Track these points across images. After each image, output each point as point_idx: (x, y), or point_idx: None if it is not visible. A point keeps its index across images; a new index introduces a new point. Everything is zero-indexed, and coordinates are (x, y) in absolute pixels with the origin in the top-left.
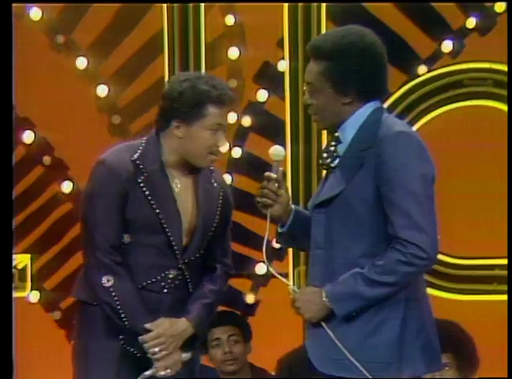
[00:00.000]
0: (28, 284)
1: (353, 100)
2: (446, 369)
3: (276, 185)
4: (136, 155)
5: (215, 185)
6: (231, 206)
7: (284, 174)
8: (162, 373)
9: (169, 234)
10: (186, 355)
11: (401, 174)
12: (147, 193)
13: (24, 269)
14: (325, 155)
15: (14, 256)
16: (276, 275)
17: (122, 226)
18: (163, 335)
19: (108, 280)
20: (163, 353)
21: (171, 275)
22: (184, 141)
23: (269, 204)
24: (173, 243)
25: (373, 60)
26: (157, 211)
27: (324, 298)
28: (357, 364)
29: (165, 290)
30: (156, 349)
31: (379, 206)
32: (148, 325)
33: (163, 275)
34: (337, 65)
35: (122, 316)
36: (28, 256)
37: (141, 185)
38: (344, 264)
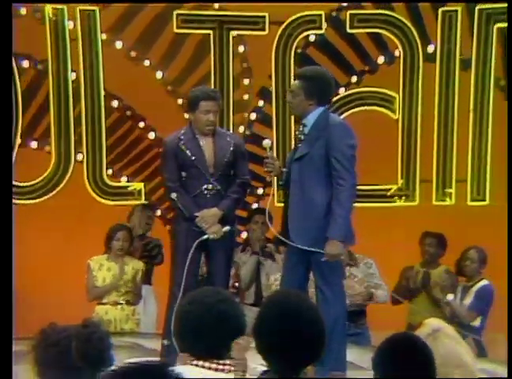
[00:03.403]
0: (143, 197)
1: (313, 104)
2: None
3: (272, 160)
4: (180, 134)
5: (228, 139)
6: (241, 148)
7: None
8: (211, 236)
9: (200, 168)
10: (226, 228)
11: (339, 144)
12: (185, 150)
13: (140, 190)
14: (297, 132)
15: (133, 183)
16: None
17: (178, 168)
18: (204, 216)
19: (173, 194)
20: (207, 226)
21: (208, 187)
22: (195, 122)
23: (271, 170)
24: (203, 171)
25: (326, 84)
26: (191, 157)
27: (338, 243)
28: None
29: (208, 196)
30: (203, 224)
31: (329, 160)
32: (196, 214)
33: (204, 187)
34: (308, 83)
35: (184, 211)
36: (142, 184)
37: (182, 147)
38: (309, 189)
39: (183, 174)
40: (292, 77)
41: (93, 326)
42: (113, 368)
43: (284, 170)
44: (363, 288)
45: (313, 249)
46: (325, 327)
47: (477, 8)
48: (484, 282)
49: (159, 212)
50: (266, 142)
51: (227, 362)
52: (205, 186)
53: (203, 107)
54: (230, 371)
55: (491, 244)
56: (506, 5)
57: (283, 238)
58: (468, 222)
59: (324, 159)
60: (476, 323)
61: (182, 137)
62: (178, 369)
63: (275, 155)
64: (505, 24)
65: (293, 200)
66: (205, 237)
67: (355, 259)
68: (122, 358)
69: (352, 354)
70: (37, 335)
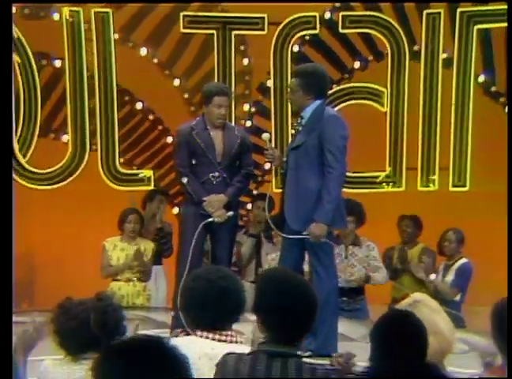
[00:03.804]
0: (152, 183)
1: (311, 98)
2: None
3: (272, 152)
4: (193, 124)
5: (236, 133)
6: (247, 142)
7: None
8: (216, 219)
9: (209, 156)
10: (230, 213)
11: (332, 135)
12: (196, 139)
13: (149, 177)
14: (295, 124)
15: (143, 170)
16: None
17: (189, 156)
18: (211, 201)
19: (184, 179)
20: (213, 210)
21: (215, 175)
22: (207, 114)
23: (272, 161)
24: (212, 160)
25: (322, 80)
26: (202, 146)
27: (323, 226)
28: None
29: (214, 183)
30: (210, 208)
31: (322, 150)
32: (204, 198)
33: (211, 175)
34: (306, 80)
35: (193, 195)
36: (151, 171)
37: (194, 136)
38: (303, 176)
39: (193, 161)
40: (289, 74)
41: (107, 299)
42: (112, 343)
43: (284, 159)
44: (362, 268)
45: (294, 237)
46: (317, 301)
47: (459, 10)
48: (463, 260)
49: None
50: (265, 135)
51: (229, 332)
52: (213, 174)
53: (216, 102)
54: (232, 341)
55: (470, 226)
56: (488, 7)
57: (274, 227)
58: (449, 206)
59: (318, 149)
60: (457, 297)
61: (195, 127)
62: (183, 340)
63: (273, 145)
64: (484, 25)
65: (289, 186)
66: (211, 219)
67: (360, 240)
68: (133, 330)
69: (344, 327)
70: (56, 308)
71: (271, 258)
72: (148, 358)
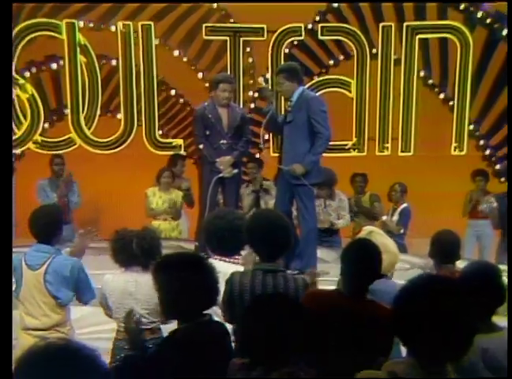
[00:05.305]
0: (182, 150)
1: (295, 85)
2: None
3: (267, 88)
4: (205, 104)
5: (237, 110)
6: (246, 117)
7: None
8: (225, 175)
9: (218, 128)
10: (235, 171)
11: (317, 110)
12: (208, 114)
13: (180, 145)
14: (287, 106)
15: (176, 140)
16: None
17: (204, 128)
18: (221, 161)
19: (201, 145)
20: (223, 168)
21: (224, 142)
22: (215, 96)
23: (267, 96)
24: (220, 131)
25: (298, 71)
26: (213, 120)
27: (303, 167)
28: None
29: (223, 148)
30: (220, 167)
31: (310, 124)
32: (216, 159)
33: (221, 142)
34: (288, 74)
35: (208, 157)
36: (182, 140)
37: (206, 113)
38: (295, 143)
39: (207, 132)
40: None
41: (148, 229)
42: (158, 259)
43: (281, 116)
44: (336, 215)
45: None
46: (291, 231)
47: (405, 24)
48: (405, 205)
49: (192, 161)
50: (260, 79)
51: (237, 257)
52: (222, 141)
53: (221, 87)
54: (238, 263)
55: (411, 180)
56: (426, 22)
57: (282, 167)
58: (398, 166)
59: (306, 123)
60: (401, 231)
61: (207, 107)
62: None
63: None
64: (423, 36)
65: (285, 151)
66: (221, 175)
67: (334, 195)
68: None
69: (322, 253)
70: (112, 234)
71: (271, 204)
72: (192, 267)
